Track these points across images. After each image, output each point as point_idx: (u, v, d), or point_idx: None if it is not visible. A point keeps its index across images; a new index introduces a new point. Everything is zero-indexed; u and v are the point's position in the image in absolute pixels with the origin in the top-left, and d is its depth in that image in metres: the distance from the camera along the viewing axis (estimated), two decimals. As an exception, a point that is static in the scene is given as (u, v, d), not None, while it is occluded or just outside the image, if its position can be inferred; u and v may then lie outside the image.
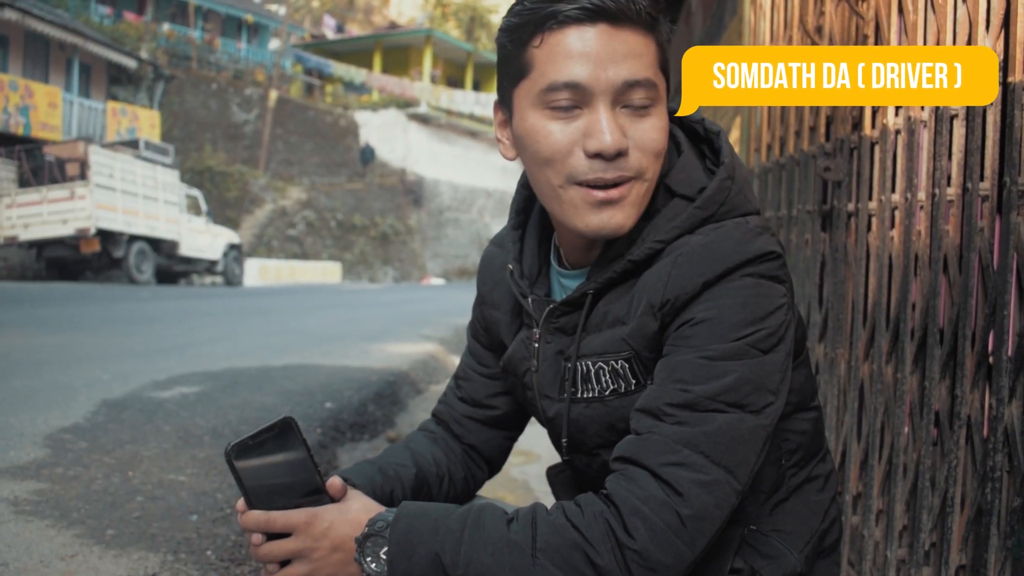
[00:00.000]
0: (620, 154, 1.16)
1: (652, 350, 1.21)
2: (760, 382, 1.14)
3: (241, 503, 1.20)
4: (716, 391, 1.12)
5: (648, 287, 1.20)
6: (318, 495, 1.21)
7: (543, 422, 1.42)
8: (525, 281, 1.38)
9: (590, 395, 1.29)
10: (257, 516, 1.18)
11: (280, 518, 1.17)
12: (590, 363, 1.27)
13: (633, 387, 1.24)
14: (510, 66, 1.22)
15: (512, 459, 3.89)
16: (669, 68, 1.24)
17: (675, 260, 1.18)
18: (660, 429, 1.12)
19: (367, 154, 25.25)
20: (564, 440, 1.36)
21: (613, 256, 1.25)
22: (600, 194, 1.18)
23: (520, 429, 1.58)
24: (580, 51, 1.15)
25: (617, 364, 1.25)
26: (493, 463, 1.58)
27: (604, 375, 1.26)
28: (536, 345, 1.37)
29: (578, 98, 1.16)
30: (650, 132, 1.18)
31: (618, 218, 1.19)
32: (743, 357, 1.14)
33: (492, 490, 3.37)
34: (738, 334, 1.14)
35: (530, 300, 1.36)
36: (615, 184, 1.18)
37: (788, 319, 1.19)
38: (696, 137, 1.32)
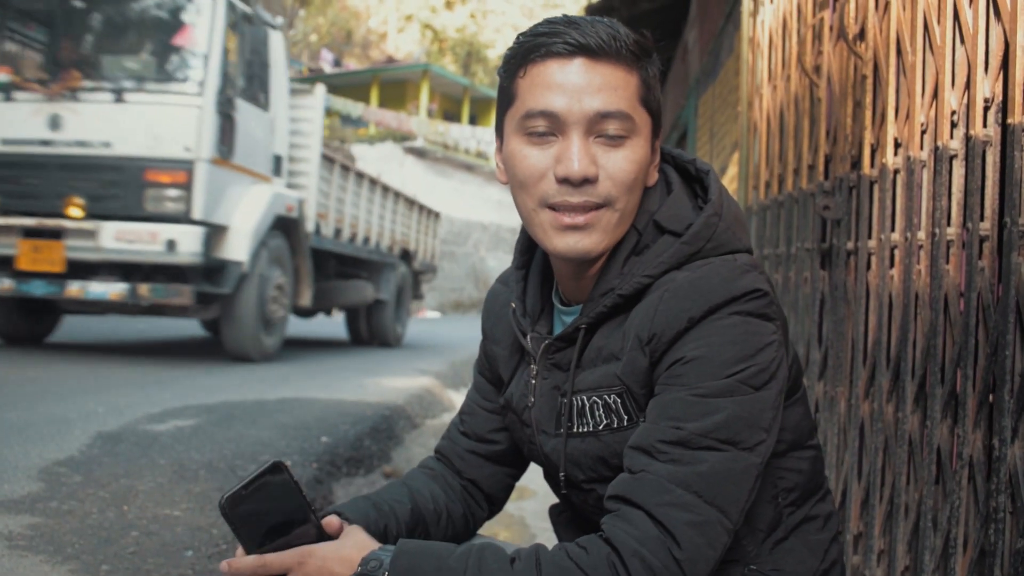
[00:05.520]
0: (587, 181, 1.21)
1: (643, 386, 1.23)
2: (752, 419, 1.15)
3: (240, 552, 1.20)
4: (708, 428, 1.13)
5: (636, 322, 1.22)
6: (315, 534, 1.21)
7: (539, 459, 1.43)
8: (527, 319, 1.41)
9: (585, 429, 1.30)
10: (252, 560, 1.18)
11: (275, 559, 1.18)
12: (584, 397, 1.29)
13: (626, 423, 1.26)
14: (502, 95, 1.29)
15: (510, 495, 3.86)
16: (656, 105, 1.27)
17: (662, 295, 1.20)
18: (653, 468, 1.13)
19: None
20: (562, 475, 1.36)
21: (603, 291, 1.27)
22: (567, 219, 1.23)
23: (522, 468, 1.57)
24: (557, 82, 1.21)
25: (610, 399, 1.26)
26: (494, 501, 1.58)
27: (598, 409, 1.28)
28: (533, 381, 1.38)
29: (553, 126, 1.22)
30: (621, 163, 1.22)
31: (584, 243, 1.24)
32: (734, 394, 1.15)
33: (488, 526, 3.34)
34: (729, 371, 1.15)
35: (528, 337, 1.38)
36: (582, 209, 1.21)
37: (779, 356, 1.20)
38: (688, 176, 1.35)
